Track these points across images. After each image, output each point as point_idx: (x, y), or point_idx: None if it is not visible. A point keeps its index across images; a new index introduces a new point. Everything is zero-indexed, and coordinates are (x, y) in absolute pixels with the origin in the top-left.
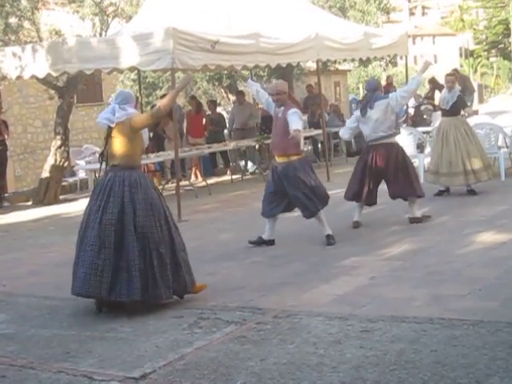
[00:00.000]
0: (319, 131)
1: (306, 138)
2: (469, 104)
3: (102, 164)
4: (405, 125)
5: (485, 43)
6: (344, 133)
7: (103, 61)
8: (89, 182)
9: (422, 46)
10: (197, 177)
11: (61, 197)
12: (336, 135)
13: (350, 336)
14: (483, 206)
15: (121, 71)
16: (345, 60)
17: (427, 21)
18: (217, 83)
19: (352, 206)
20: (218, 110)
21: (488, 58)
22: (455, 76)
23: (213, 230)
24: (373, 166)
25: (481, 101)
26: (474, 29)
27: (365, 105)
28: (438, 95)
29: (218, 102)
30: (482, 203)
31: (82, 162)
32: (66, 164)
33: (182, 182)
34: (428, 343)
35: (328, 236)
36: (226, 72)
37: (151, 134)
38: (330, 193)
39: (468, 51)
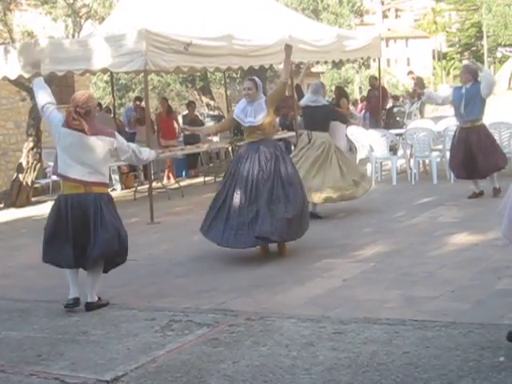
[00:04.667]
0: (292, 133)
1: (278, 140)
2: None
3: None
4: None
5: (458, 46)
6: None
7: (75, 62)
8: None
9: (395, 48)
10: (169, 179)
11: (33, 199)
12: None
13: (322, 338)
14: (456, 207)
15: (93, 73)
16: (318, 62)
17: (400, 23)
18: (190, 85)
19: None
20: None
21: (461, 61)
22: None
23: (185, 231)
24: None
25: None
26: (447, 31)
27: None
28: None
29: None
30: (455, 205)
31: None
32: (38, 166)
33: (155, 184)
34: (400, 345)
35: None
36: (199, 74)
37: None
38: None
39: (441, 53)
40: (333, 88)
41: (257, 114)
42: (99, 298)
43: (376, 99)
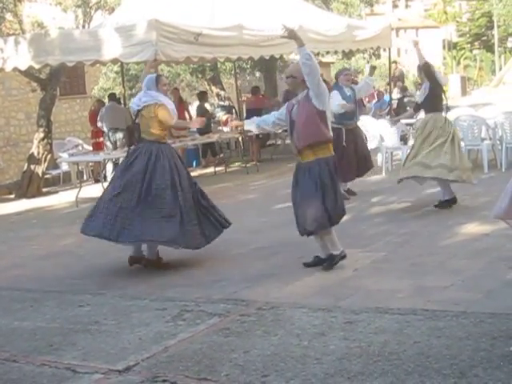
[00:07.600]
0: None
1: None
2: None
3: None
4: (388, 116)
5: (468, 35)
6: None
7: (86, 53)
8: (72, 175)
9: (405, 38)
10: None
11: (44, 189)
12: None
13: (333, 327)
14: (467, 197)
15: (104, 63)
16: (328, 52)
17: (410, 13)
18: (200, 75)
19: None
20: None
21: (471, 51)
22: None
23: None
24: None
25: (464, 93)
26: (457, 21)
27: None
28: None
29: None
30: (466, 195)
31: (64, 155)
32: (48, 156)
33: None
34: (411, 334)
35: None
36: (209, 64)
37: None
38: None
39: (451, 43)
40: None
41: None
42: (332, 256)
43: None
